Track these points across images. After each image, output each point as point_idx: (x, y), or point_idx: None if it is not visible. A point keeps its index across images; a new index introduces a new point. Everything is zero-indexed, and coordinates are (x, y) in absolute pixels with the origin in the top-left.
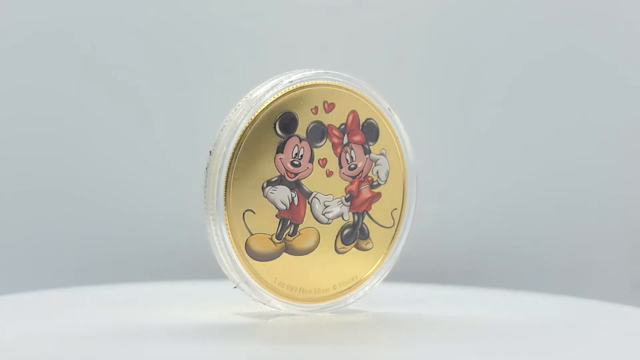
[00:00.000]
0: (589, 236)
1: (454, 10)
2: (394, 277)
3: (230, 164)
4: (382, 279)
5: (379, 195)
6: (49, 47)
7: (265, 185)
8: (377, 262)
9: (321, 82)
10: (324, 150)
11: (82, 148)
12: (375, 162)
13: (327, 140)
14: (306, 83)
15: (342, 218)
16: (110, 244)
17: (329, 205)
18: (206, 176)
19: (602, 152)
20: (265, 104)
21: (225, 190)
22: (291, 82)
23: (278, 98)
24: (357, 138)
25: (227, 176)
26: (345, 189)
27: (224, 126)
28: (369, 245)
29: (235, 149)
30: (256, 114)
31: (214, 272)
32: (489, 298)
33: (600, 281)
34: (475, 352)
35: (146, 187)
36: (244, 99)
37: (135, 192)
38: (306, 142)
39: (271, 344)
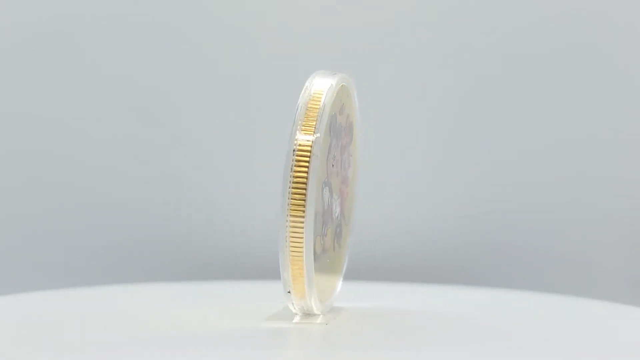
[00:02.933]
0: (589, 236)
1: (439, 11)
2: (388, 276)
3: (315, 165)
4: (342, 274)
5: (347, 193)
6: (49, 47)
7: (323, 185)
8: (344, 259)
9: (344, 83)
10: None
11: (82, 148)
12: (349, 163)
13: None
14: (340, 85)
15: (337, 217)
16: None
17: (336, 205)
18: (290, 177)
19: (602, 151)
20: (329, 104)
21: (311, 192)
22: (337, 83)
23: (333, 99)
24: (347, 139)
25: (311, 177)
26: (339, 189)
27: (297, 125)
28: (342, 242)
29: (318, 150)
30: (324, 114)
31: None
32: (487, 297)
33: (600, 281)
34: (475, 352)
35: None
36: (305, 94)
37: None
38: (336, 144)
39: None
